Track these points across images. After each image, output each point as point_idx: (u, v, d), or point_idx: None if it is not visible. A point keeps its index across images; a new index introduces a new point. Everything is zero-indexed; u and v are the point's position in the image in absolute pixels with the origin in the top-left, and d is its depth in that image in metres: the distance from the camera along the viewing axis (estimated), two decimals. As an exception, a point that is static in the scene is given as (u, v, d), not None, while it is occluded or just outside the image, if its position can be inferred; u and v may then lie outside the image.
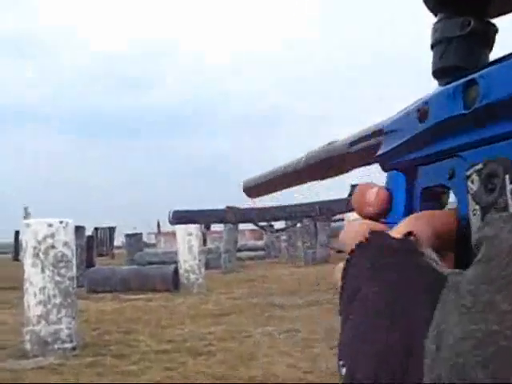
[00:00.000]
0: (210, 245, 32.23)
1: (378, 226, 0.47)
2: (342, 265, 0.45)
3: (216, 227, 34.86)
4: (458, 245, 0.46)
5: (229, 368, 6.94)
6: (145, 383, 6.51)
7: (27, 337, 8.36)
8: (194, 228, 16.89)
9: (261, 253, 34.79)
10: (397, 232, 0.42)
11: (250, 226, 30.46)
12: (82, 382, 6.65)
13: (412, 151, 0.53)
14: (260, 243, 36.84)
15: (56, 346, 8.30)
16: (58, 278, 8.48)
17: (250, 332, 9.14)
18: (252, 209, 25.55)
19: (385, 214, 0.53)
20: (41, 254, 8.45)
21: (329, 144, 0.72)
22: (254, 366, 6.91)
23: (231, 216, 24.67)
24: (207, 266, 21.62)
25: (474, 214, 0.44)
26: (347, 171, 0.71)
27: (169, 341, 8.76)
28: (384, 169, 0.57)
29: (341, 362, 0.40)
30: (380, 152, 0.57)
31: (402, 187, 0.54)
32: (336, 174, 0.74)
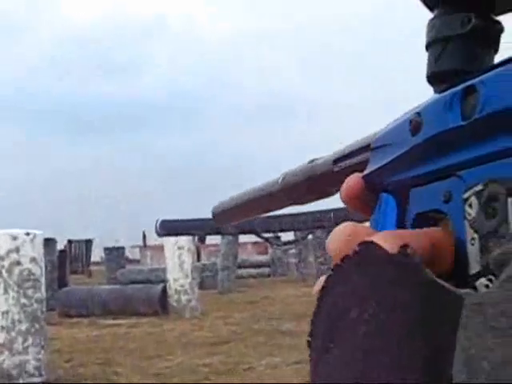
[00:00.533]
0: (204, 260, 32.29)
1: (363, 230, 0.48)
2: (321, 280, 0.46)
3: (212, 240, 34.86)
4: (454, 272, 0.46)
5: (226, 407, 6.95)
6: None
7: (-13, 370, 8.37)
8: (185, 241, 16.91)
9: (265, 270, 34.81)
10: (389, 243, 0.42)
11: (253, 237, 30.46)
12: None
13: (403, 170, 0.52)
14: (264, 258, 36.86)
15: (22, 381, 8.30)
16: (23, 301, 8.48)
17: (252, 364, 9.15)
18: (255, 218, 25.56)
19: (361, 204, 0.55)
20: (3, 272, 8.45)
21: (309, 162, 0.72)
22: (257, 405, 6.92)
23: (230, 226, 24.67)
24: (201, 285, 21.65)
25: (473, 244, 0.44)
26: (331, 194, 0.71)
27: (155, 374, 8.77)
28: (372, 190, 0.56)
29: None
30: (367, 171, 0.56)
31: (393, 212, 0.53)
32: (318, 198, 0.74)
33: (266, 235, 28.52)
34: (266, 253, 39.76)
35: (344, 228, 0.49)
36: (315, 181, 0.70)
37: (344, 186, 0.55)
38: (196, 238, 23.61)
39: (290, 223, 25.96)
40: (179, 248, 16.53)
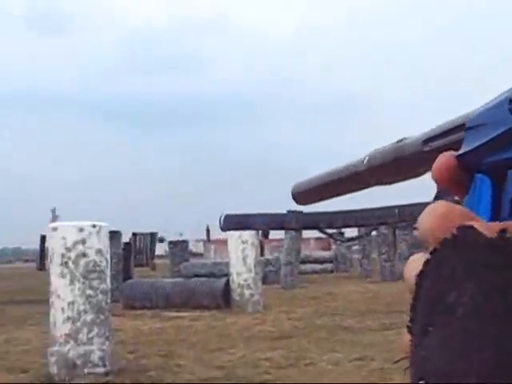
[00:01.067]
0: (268, 255, 32.30)
1: (458, 210, 0.47)
2: (414, 262, 0.45)
3: (276, 235, 34.87)
4: None
5: (287, 401, 6.95)
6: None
7: (53, 359, 8.50)
8: (249, 235, 16.92)
9: (328, 266, 34.73)
10: (487, 227, 0.42)
11: (316, 233, 30.37)
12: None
13: (501, 150, 0.51)
14: (327, 254, 36.77)
15: (86, 371, 8.42)
16: (89, 292, 8.59)
17: (314, 359, 9.13)
18: (318, 213, 25.49)
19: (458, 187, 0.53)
20: (70, 263, 8.57)
21: (397, 142, 0.71)
22: (318, 400, 6.91)
23: (294, 221, 24.65)
24: (264, 280, 21.67)
25: None
26: (420, 174, 0.70)
27: (218, 367, 8.81)
28: (466, 171, 0.55)
29: (421, 382, 0.40)
30: (461, 151, 0.55)
31: (488, 193, 0.52)
32: (406, 178, 0.72)
33: (330, 231, 28.43)
34: (329, 248, 39.65)
35: (438, 206, 0.47)
36: (403, 161, 0.69)
37: (436, 164, 0.54)
38: (259, 232, 23.63)
39: (354, 219, 25.82)
40: (243, 242, 16.55)
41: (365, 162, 0.77)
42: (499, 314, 0.38)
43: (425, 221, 0.47)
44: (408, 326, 0.43)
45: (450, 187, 0.54)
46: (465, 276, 0.40)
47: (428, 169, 0.57)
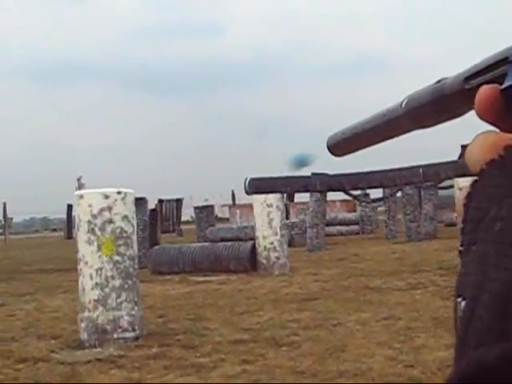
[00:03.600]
0: (293, 218, 32.35)
1: (508, 137, 0.46)
2: (465, 189, 0.45)
3: (301, 197, 34.86)
4: None
5: (315, 361, 6.98)
6: (218, 378, 6.63)
7: (83, 325, 8.59)
8: (274, 198, 16.93)
9: (354, 227, 34.73)
10: None
11: (341, 195, 30.33)
12: (146, 377, 6.82)
13: None
14: (353, 216, 36.75)
15: (116, 336, 8.51)
16: (116, 258, 8.65)
17: (341, 319, 9.17)
18: (343, 175, 25.44)
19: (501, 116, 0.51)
20: (97, 230, 8.63)
21: (437, 82, 0.70)
22: (346, 359, 6.94)
23: (318, 184, 24.63)
24: (290, 243, 21.74)
25: None
26: (462, 114, 0.69)
27: (245, 329, 8.87)
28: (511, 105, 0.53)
29: (459, 299, 0.40)
30: (506, 84, 0.53)
31: None
32: (448, 119, 0.71)
33: (355, 193, 28.38)
34: (355, 210, 39.60)
35: (487, 135, 0.47)
36: (444, 101, 0.67)
37: (478, 96, 0.53)
38: (285, 195, 23.66)
39: (379, 180, 25.75)
40: (268, 206, 16.57)
41: (403, 105, 0.75)
42: None
43: (474, 149, 0.47)
44: (459, 251, 0.44)
45: (495, 122, 0.52)
46: (507, 192, 0.40)
47: (470, 107, 0.57)
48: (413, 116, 0.74)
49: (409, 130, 0.78)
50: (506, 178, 0.41)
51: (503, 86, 0.53)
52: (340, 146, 0.92)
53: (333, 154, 0.95)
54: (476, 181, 0.44)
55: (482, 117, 0.52)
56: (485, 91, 0.53)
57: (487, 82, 0.57)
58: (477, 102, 0.53)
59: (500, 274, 0.37)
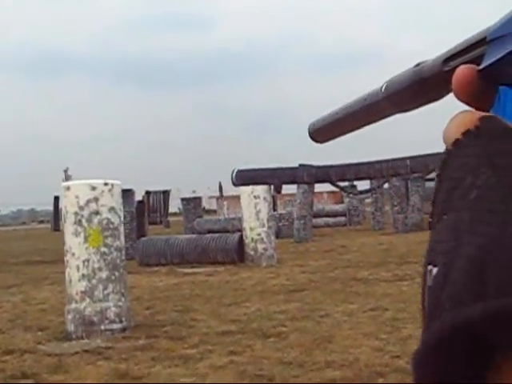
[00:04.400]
0: (280, 210, 32.39)
1: (488, 114, 0.46)
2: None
3: (288, 189, 34.90)
4: None
5: (303, 352, 7.00)
6: (205, 369, 6.63)
7: (70, 316, 8.57)
8: (261, 190, 16.93)
9: (341, 219, 34.79)
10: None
11: (329, 187, 30.38)
12: (133, 368, 6.81)
13: None
14: (340, 207, 36.81)
15: (103, 327, 8.50)
16: (103, 249, 8.64)
17: (328, 311, 9.19)
18: (330, 166, 25.48)
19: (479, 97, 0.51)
20: (83, 222, 8.61)
21: (416, 65, 0.70)
22: (333, 350, 6.95)
23: (305, 175, 24.66)
24: (278, 234, 21.75)
25: None
26: (442, 97, 0.69)
27: (233, 321, 8.88)
28: (490, 84, 0.53)
29: (429, 267, 0.39)
30: (483, 64, 0.53)
31: None
32: (427, 102, 0.71)
33: (342, 184, 28.43)
34: (342, 202, 39.68)
35: (465, 114, 0.46)
36: (423, 84, 0.67)
37: (455, 76, 0.52)
38: (272, 187, 23.67)
39: (366, 171, 25.81)
40: (255, 197, 16.57)
41: (383, 89, 0.75)
42: (509, 194, 0.38)
43: (451, 127, 0.46)
44: (429, 222, 0.43)
45: (472, 102, 0.52)
46: (482, 161, 0.40)
47: (450, 90, 0.56)
48: (393, 100, 0.73)
49: (389, 115, 0.77)
50: (480, 148, 0.41)
51: (481, 67, 0.53)
52: (322, 132, 0.91)
53: (315, 140, 0.95)
54: (450, 151, 0.43)
55: (459, 97, 0.52)
56: (462, 71, 0.52)
57: (466, 64, 0.57)
58: (454, 82, 0.52)
59: (475, 239, 0.37)
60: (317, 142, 0.95)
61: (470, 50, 0.57)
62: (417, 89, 0.68)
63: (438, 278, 0.38)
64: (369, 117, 0.80)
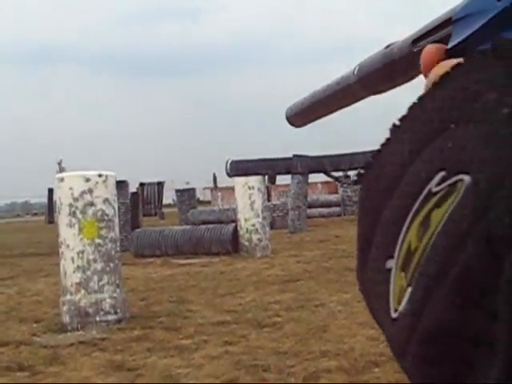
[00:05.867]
0: (275, 201, 32.35)
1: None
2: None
3: (282, 180, 34.91)
4: None
5: (298, 342, 7.01)
6: (200, 359, 6.64)
7: (65, 308, 8.57)
8: (256, 181, 16.91)
9: (335, 209, 34.75)
10: None
11: (323, 177, 30.37)
12: (129, 359, 6.82)
13: (490, 37, 0.49)
14: (334, 198, 36.78)
15: (98, 319, 8.50)
16: (98, 241, 8.63)
17: (323, 300, 9.20)
18: (324, 157, 25.47)
19: None
20: (78, 213, 8.60)
21: (386, 47, 0.70)
22: (328, 340, 6.97)
23: (300, 165, 24.66)
24: (272, 225, 21.75)
25: None
26: (412, 78, 0.69)
27: (228, 311, 8.89)
28: None
29: (457, 176, 0.37)
30: (450, 44, 0.53)
31: None
32: (399, 84, 0.71)
33: (336, 174, 28.43)
34: (337, 192, 39.65)
35: (449, 62, 0.46)
36: (394, 66, 0.67)
37: (422, 56, 0.53)
38: (266, 178, 23.69)
39: (360, 161, 25.80)
40: (249, 188, 16.55)
41: (355, 72, 0.75)
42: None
43: (431, 76, 0.46)
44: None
45: None
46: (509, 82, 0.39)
47: (420, 70, 0.56)
48: (365, 82, 0.74)
49: (362, 97, 0.77)
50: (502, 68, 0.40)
51: (448, 46, 0.54)
52: (298, 116, 0.92)
53: (292, 124, 0.95)
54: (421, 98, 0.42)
55: (427, 77, 0.52)
56: (429, 50, 0.53)
57: (434, 43, 0.57)
58: (422, 62, 0.53)
59: None
60: (294, 126, 0.95)
61: (438, 30, 0.58)
62: (387, 70, 0.69)
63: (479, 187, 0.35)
64: (342, 100, 0.81)
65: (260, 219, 16.38)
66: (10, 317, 9.32)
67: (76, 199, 8.60)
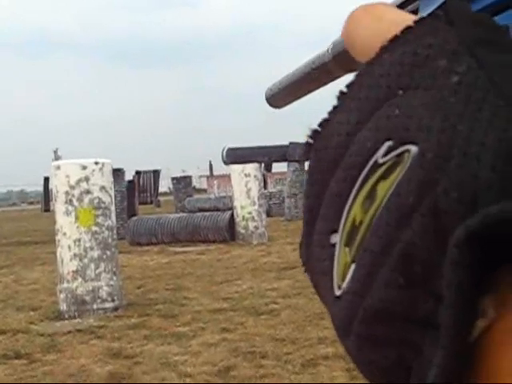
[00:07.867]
0: (271, 188, 32.36)
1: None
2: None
3: (278, 168, 34.90)
4: None
5: (295, 329, 7.03)
6: (198, 346, 6.65)
7: (62, 296, 8.58)
8: (252, 168, 16.90)
9: (332, 196, 34.74)
10: None
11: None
12: (126, 346, 6.83)
13: None
14: (331, 185, 36.76)
15: (95, 306, 8.51)
16: (95, 228, 8.63)
17: (320, 287, 9.20)
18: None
19: None
20: (74, 201, 8.60)
21: None
22: (325, 326, 6.97)
23: (296, 153, 24.64)
24: (269, 212, 21.76)
25: None
26: None
27: (225, 298, 8.90)
28: None
29: (404, 147, 0.37)
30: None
31: None
32: None
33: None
34: (333, 179, 39.73)
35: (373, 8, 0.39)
36: None
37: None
38: (262, 165, 23.65)
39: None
40: (246, 176, 16.54)
41: (329, 51, 0.75)
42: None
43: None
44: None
45: None
46: (459, 49, 0.38)
47: None
48: (339, 60, 0.73)
49: (338, 76, 0.77)
50: (451, 33, 0.39)
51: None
52: (277, 97, 0.91)
53: (272, 106, 0.94)
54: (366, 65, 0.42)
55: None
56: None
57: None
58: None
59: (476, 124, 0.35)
60: (274, 107, 0.94)
61: (406, 5, 0.58)
62: None
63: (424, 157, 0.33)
64: (320, 79, 0.80)
65: (256, 207, 16.37)
66: (7, 305, 9.33)
67: (72, 187, 8.59)
